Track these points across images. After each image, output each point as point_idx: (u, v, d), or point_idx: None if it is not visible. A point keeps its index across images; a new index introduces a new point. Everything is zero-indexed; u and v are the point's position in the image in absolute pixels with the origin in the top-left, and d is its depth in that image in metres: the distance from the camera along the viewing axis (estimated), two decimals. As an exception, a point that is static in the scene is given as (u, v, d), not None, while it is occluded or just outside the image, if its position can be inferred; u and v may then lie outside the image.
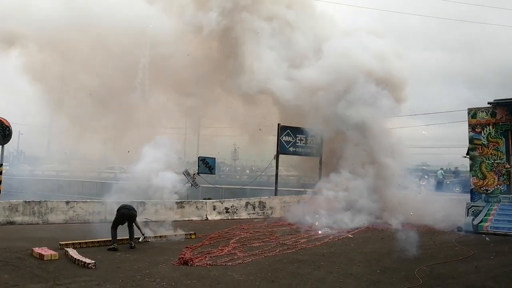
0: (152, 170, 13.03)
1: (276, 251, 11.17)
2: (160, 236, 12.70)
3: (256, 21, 19.84)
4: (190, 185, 21.00)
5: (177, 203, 16.98)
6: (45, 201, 15.53)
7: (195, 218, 17.03)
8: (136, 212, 12.31)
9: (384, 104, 17.70)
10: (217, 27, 19.88)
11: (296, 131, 20.01)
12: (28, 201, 15.34)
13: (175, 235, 12.93)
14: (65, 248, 10.45)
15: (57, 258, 9.67)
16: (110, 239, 11.35)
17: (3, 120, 16.60)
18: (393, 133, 19.65)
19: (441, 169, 35.17)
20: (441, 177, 31.78)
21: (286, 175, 36.47)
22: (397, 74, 19.11)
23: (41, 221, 15.03)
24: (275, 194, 20.13)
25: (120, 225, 11.71)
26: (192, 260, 9.66)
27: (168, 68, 20.82)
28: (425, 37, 79.25)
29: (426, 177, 29.41)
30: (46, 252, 9.81)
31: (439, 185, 28.35)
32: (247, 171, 53.24)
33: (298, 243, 12.34)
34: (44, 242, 10.93)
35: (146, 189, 13.08)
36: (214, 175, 23.13)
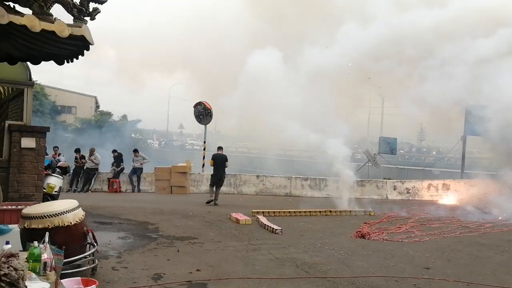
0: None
1: (457, 233, 10.97)
2: (340, 211, 13.43)
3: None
4: (371, 164, 21.37)
5: (357, 181, 17.55)
6: (239, 174, 17.69)
7: (375, 197, 17.37)
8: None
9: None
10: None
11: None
12: (226, 174, 17.63)
13: (354, 211, 13.53)
14: (256, 215, 11.93)
15: (250, 223, 11.14)
16: (295, 210, 12.61)
17: (205, 103, 19.15)
18: None
19: None
20: None
21: (478, 157, 33.95)
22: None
23: (236, 192, 17.18)
24: (461, 177, 19.20)
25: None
26: (369, 234, 10.17)
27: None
28: None
29: None
30: (241, 217, 11.36)
31: None
32: (434, 152, 50.79)
33: (482, 227, 11.85)
34: (239, 209, 12.63)
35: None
36: (395, 155, 22.92)
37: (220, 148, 14.88)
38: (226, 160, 14.42)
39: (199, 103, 19.12)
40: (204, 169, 18.70)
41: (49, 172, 10.21)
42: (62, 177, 10.66)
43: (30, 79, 8.87)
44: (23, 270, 2.74)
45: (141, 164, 17.43)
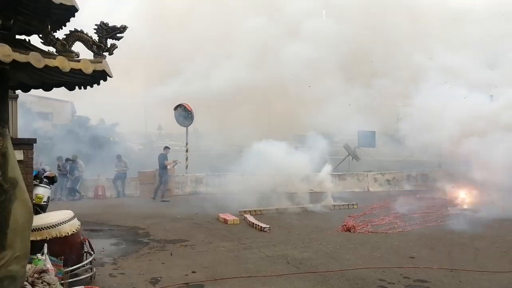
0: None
1: (438, 221, 11.39)
2: (324, 205, 13.72)
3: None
4: (351, 158, 21.77)
5: (339, 175, 17.92)
6: (224, 174, 17.80)
7: (357, 190, 17.75)
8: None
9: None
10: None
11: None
12: (210, 174, 17.79)
13: (338, 205, 13.83)
14: (244, 215, 12.14)
15: (238, 222, 11.36)
16: (282, 207, 13.10)
17: (185, 105, 19.16)
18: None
19: None
20: None
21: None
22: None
23: (220, 191, 17.29)
24: (439, 167, 19.68)
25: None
26: (354, 228, 10.50)
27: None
28: None
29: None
30: (229, 217, 11.57)
31: None
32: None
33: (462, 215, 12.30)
34: (226, 209, 12.80)
35: None
36: (375, 148, 23.32)
37: (165, 148, 16.94)
38: (165, 159, 16.25)
39: (180, 105, 19.13)
40: (188, 171, 18.74)
41: (37, 183, 10.21)
42: (50, 187, 10.65)
43: (14, 91, 8.89)
44: (54, 284, 2.92)
45: (122, 170, 17.31)
